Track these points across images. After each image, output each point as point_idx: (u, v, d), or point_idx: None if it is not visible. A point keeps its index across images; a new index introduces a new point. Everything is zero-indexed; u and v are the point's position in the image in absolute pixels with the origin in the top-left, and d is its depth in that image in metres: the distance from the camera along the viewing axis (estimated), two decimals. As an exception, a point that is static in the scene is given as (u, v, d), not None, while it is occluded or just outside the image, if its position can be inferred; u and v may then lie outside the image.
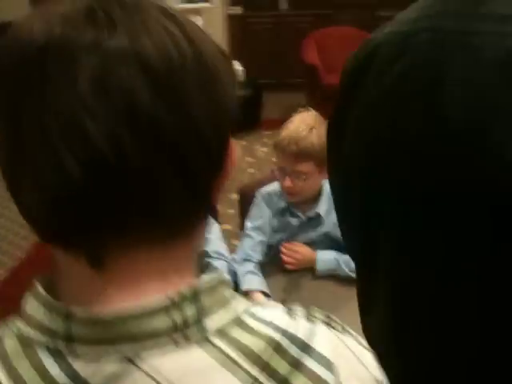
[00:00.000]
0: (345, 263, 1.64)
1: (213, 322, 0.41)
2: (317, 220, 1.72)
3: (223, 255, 1.65)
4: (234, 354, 0.40)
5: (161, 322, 0.40)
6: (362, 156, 0.66)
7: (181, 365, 0.39)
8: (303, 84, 5.33)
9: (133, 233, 0.40)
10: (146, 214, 0.40)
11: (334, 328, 0.46)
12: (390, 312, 0.68)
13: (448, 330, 0.62)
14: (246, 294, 1.56)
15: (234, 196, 2.31)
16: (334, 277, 1.66)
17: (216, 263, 1.61)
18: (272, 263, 1.74)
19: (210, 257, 1.63)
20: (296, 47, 5.34)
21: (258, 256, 1.70)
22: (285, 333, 0.42)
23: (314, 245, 1.72)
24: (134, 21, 0.38)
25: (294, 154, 1.58)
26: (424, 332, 0.65)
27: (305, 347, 0.42)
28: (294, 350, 0.42)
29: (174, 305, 0.40)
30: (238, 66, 5.40)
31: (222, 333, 0.41)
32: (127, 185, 0.38)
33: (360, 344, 0.47)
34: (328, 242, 1.71)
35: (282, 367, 0.40)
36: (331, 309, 1.48)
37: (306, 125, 1.60)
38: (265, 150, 4.91)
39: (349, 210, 0.73)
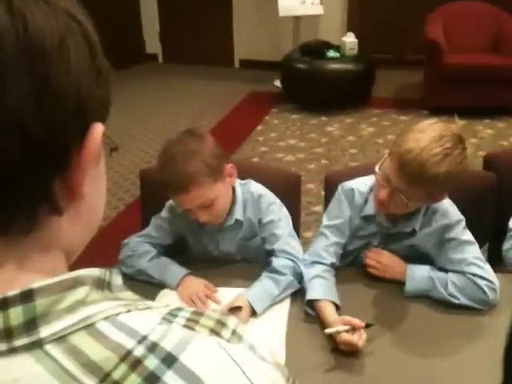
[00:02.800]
0: (441, 283, 1.36)
1: (52, 328, 0.38)
2: (409, 234, 1.45)
3: (290, 254, 1.45)
4: (68, 364, 0.37)
5: None
6: None
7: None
8: (422, 62, 4.93)
9: None
10: None
11: (219, 336, 0.41)
12: None
13: None
14: (312, 304, 1.35)
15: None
16: (425, 297, 1.39)
17: (280, 262, 1.42)
18: (349, 273, 1.50)
19: (275, 256, 1.46)
20: (419, 21, 4.94)
21: (331, 258, 1.45)
22: (142, 340, 0.38)
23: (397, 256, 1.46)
24: None
25: (409, 176, 1.25)
26: None
27: (168, 358, 0.38)
28: (151, 362, 0.38)
29: None
30: (351, 38, 5.08)
31: (60, 341, 0.38)
32: None
33: (254, 353, 0.42)
34: (414, 256, 1.44)
35: (130, 380, 0.37)
36: (424, 338, 1.23)
37: (442, 149, 1.22)
38: (371, 129, 4.61)
39: None
